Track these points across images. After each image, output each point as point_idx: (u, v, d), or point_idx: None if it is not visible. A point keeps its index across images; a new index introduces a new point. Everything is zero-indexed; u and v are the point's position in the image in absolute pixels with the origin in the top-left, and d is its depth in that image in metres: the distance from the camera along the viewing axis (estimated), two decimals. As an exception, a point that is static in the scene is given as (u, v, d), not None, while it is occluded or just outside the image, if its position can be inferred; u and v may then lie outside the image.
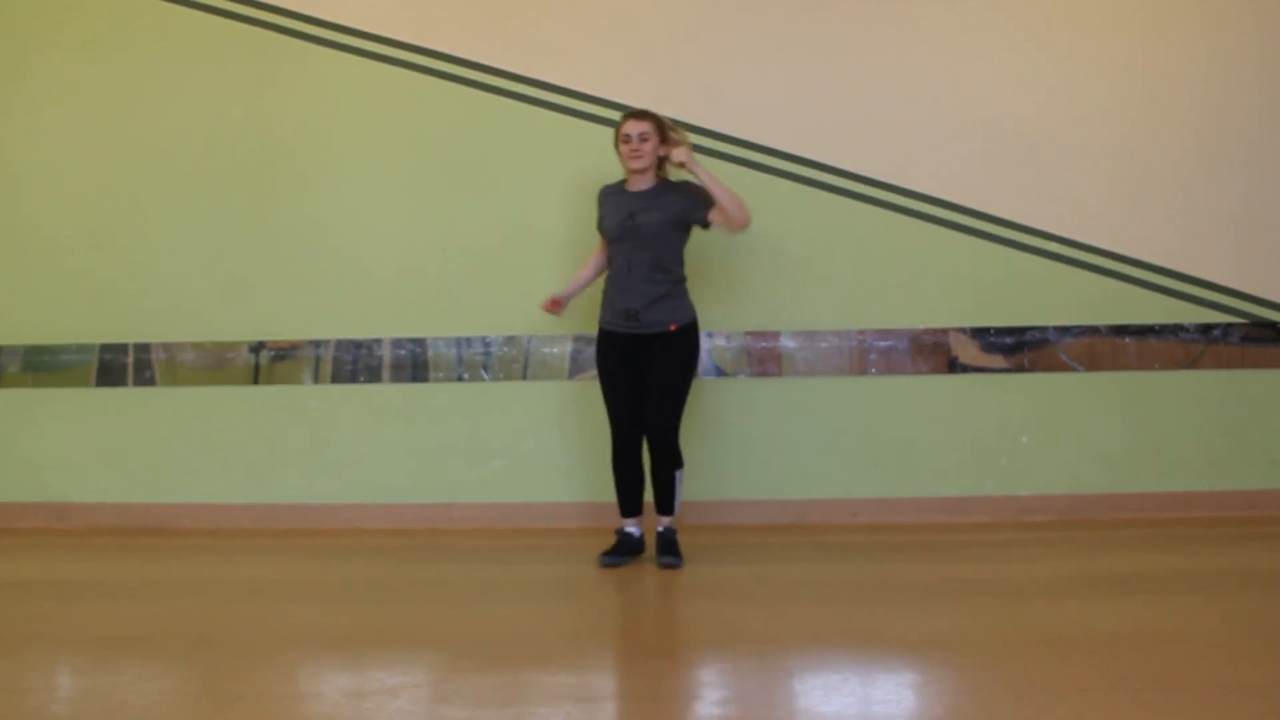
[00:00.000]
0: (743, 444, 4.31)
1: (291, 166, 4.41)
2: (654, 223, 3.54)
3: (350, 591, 3.35)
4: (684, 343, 3.60)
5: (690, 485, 4.22)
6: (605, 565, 3.59)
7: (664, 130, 3.59)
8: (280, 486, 4.38)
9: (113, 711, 2.33)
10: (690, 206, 3.58)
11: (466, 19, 4.38)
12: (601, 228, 3.68)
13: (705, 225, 3.60)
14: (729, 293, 4.31)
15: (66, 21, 4.48)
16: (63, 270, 4.46)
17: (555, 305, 3.72)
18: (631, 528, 3.69)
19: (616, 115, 4.26)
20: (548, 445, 4.34)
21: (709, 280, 4.24)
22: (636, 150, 3.55)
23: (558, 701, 2.35)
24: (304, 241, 4.40)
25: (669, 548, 3.61)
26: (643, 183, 3.62)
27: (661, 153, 3.57)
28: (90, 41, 4.47)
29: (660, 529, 3.66)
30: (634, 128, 3.56)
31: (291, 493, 4.38)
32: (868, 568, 3.55)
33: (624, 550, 3.65)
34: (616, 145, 3.62)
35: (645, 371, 3.57)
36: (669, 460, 3.60)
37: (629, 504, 3.69)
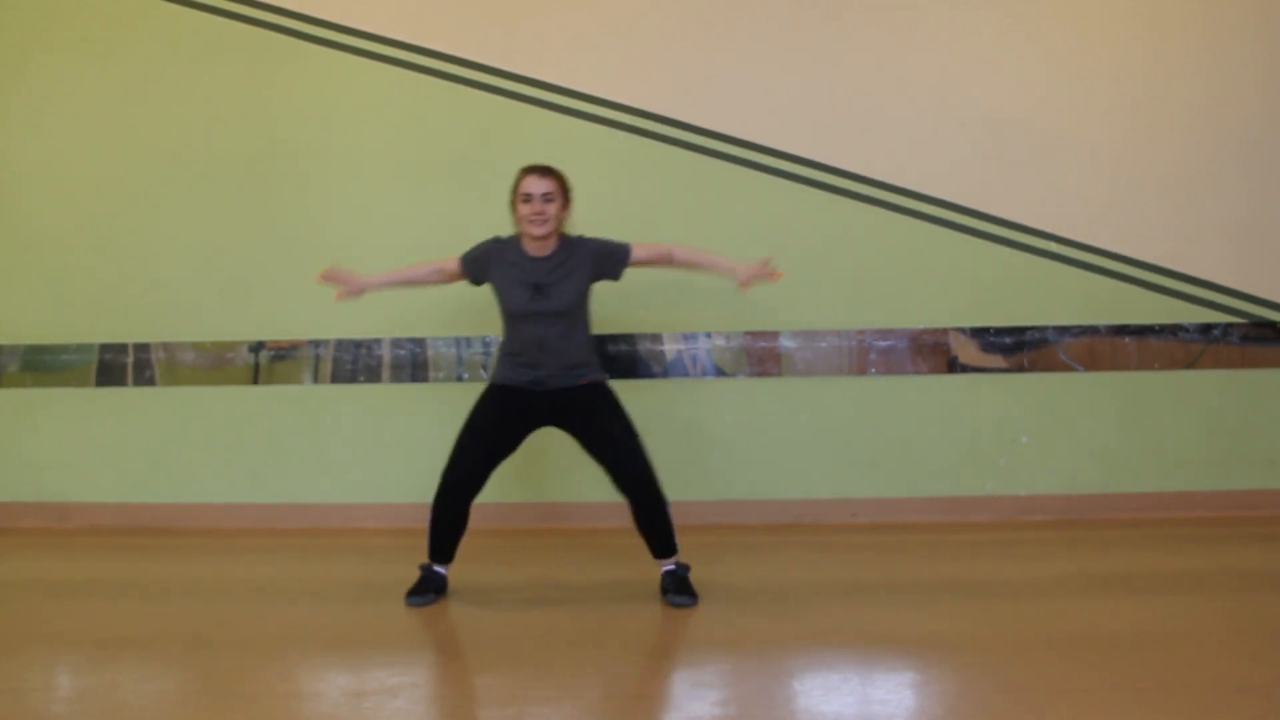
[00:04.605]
0: (742, 444, 4.31)
1: (291, 166, 4.41)
2: (568, 294, 3.15)
3: (350, 591, 3.34)
4: (600, 390, 3.23)
5: (691, 485, 4.22)
6: (412, 605, 3.15)
7: (567, 190, 3.21)
8: (280, 486, 4.38)
9: (113, 711, 2.33)
10: (605, 266, 3.23)
11: (466, 19, 4.38)
12: (489, 287, 3.29)
13: (617, 278, 3.31)
14: (728, 292, 4.28)
15: (66, 21, 4.48)
16: (63, 270, 4.46)
17: (345, 287, 3.28)
18: (440, 568, 3.27)
19: (616, 115, 4.27)
20: (547, 445, 4.33)
21: (708, 280, 4.24)
22: (540, 212, 3.09)
23: (557, 701, 2.35)
24: (304, 241, 4.39)
25: (682, 585, 3.18)
26: (544, 247, 3.17)
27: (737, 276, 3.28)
28: (90, 41, 4.47)
29: (669, 568, 3.24)
30: (537, 186, 3.10)
31: (292, 492, 4.38)
32: (868, 568, 3.55)
33: (430, 587, 3.20)
34: (513, 204, 3.20)
35: (579, 428, 3.21)
36: (656, 502, 3.19)
37: (445, 550, 3.23)
